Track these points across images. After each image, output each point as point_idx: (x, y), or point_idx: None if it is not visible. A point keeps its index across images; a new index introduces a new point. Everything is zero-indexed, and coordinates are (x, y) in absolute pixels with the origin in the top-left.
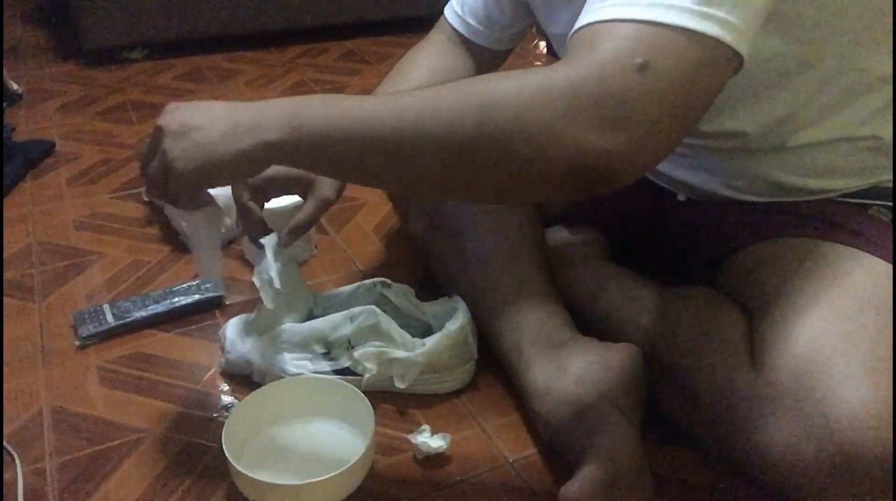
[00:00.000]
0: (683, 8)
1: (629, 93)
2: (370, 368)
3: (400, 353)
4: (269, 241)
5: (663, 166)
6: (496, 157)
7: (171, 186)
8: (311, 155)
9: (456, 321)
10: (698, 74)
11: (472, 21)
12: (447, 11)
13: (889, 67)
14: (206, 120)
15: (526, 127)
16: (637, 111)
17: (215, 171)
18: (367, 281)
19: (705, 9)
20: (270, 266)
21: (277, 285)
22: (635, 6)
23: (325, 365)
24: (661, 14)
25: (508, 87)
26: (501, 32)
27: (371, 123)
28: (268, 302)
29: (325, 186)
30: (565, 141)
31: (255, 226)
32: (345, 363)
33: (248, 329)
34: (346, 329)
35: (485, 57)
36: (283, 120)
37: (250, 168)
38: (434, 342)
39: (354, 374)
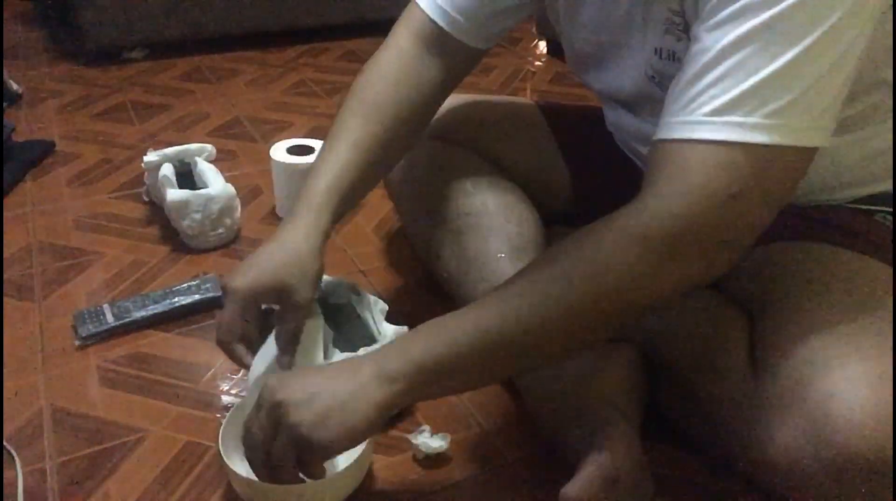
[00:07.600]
0: (775, 126)
1: (725, 224)
2: None
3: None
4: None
5: None
6: (616, 310)
7: (305, 458)
8: (436, 389)
9: None
10: (790, 179)
11: (452, 11)
12: (421, 2)
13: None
14: (327, 384)
15: (637, 281)
16: (736, 233)
17: (355, 433)
18: (346, 282)
19: (799, 122)
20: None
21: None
22: (727, 126)
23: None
24: (755, 135)
25: (606, 248)
26: (483, 27)
27: (488, 337)
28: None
29: (301, 289)
30: (674, 278)
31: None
32: None
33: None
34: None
35: (459, 56)
36: (402, 366)
37: (384, 418)
38: None
39: None
